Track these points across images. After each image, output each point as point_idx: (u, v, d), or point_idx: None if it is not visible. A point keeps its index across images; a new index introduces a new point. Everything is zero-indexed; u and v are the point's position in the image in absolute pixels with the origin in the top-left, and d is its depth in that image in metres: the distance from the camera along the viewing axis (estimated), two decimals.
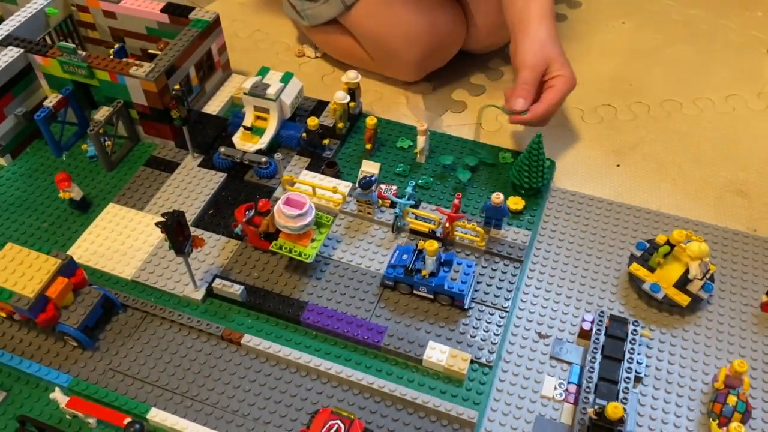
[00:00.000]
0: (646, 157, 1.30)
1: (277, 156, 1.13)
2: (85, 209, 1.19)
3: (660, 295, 1.03)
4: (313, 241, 1.06)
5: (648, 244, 1.09)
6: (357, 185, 1.12)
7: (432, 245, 0.99)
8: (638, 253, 1.08)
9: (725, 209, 1.20)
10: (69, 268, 0.98)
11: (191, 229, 1.09)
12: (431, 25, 1.28)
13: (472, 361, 0.98)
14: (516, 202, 1.17)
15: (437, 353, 0.97)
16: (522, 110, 1.17)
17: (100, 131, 1.20)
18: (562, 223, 1.17)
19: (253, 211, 1.07)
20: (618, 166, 1.28)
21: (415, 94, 1.43)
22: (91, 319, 0.98)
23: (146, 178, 1.23)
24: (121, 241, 1.13)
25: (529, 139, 1.31)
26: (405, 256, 1.04)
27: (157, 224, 0.94)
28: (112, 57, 1.32)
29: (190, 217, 1.16)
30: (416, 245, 1.05)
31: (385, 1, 1.31)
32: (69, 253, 1.11)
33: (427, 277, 1.02)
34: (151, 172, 1.24)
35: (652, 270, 1.06)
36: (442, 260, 1.04)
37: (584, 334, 1.02)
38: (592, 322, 1.01)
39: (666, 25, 1.60)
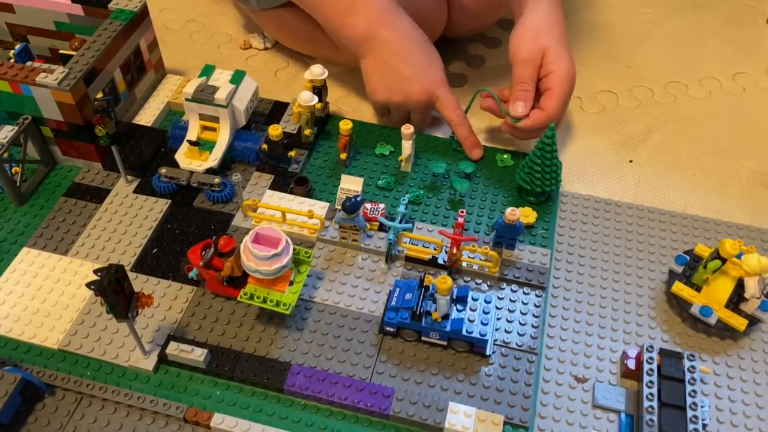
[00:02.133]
0: (659, 150, 1.13)
1: (235, 177, 0.91)
2: None
3: (712, 320, 0.86)
4: (291, 284, 0.84)
5: (688, 257, 0.92)
6: (340, 208, 0.91)
7: (445, 282, 0.79)
8: (679, 269, 0.91)
9: (758, 206, 1.05)
10: None
11: (132, 275, 0.87)
12: (410, 5, 1.07)
13: (504, 423, 0.79)
14: (527, 215, 0.98)
15: (462, 418, 0.78)
16: (523, 115, 0.99)
17: (5, 155, 0.94)
18: (580, 236, 0.99)
19: (211, 251, 0.84)
20: (631, 161, 1.11)
21: None
22: (5, 414, 0.74)
23: (68, 212, 0.98)
24: (41, 297, 0.88)
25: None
26: (409, 296, 0.84)
27: (89, 285, 0.71)
28: (12, 61, 1.06)
29: (128, 259, 0.93)
30: (421, 280, 0.84)
31: None
32: None
33: (439, 320, 0.82)
34: (75, 204, 0.99)
35: (697, 289, 0.89)
36: (454, 297, 0.84)
37: (629, 374, 0.84)
38: (637, 359, 0.84)
39: None
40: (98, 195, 1.00)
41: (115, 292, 0.71)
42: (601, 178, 1.08)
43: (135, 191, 1.00)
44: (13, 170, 0.99)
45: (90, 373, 0.82)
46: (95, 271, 0.71)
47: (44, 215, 0.98)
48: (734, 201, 1.06)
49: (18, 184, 0.99)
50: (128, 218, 0.97)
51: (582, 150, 1.13)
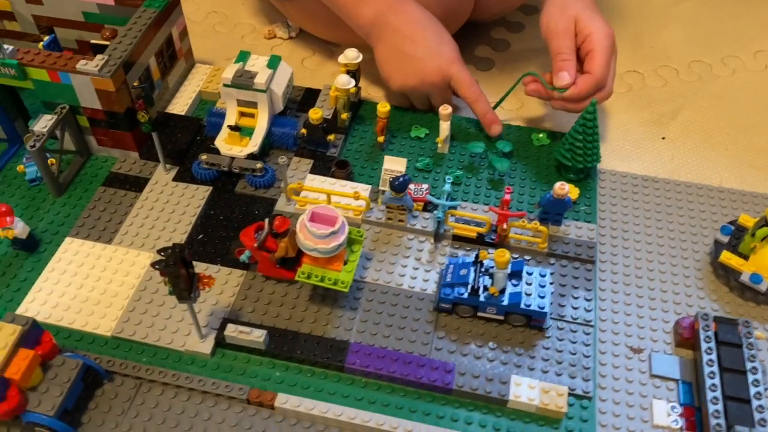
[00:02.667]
0: (689, 127, 1.14)
1: (281, 160, 0.90)
2: (33, 249, 0.92)
3: (763, 287, 0.87)
4: (346, 263, 0.84)
5: (733, 227, 0.93)
6: (386, 189, 0.91)
7: (503, 255, 0.79)
8: (725, 239, 0.92)
9: None
10: (32, 334, 0.73)
11: None
12: None
13: (567, 394, 0.79)
14: (570, 191, 0.98)
15: (526, 390, 0.78)
16: (569, 85, 0.99)
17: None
18: (621, 211, 1.00)
19: (265, 232, 0.84)
20: (663, 138, 1.12)
21: None
22: (69, 400, 0.73)
23: (108, 201, 0.97)
24: (89, 286, 0.87)
25: (562, 113, 1.13)
26: (464, 271, 0.84)
27: (154, 265, 0.70)
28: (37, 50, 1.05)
29: None
30: (476, 256, 0.84)
31: None
32: (21, 310, 0.84)
33: (497, 295, 0.82)
34: (114, 193, 0.98)
35: (744, 257, 0.90)
36: (509, 271, 0.84)
37: (683, 342, 0.85)
38: (691, 328, 0.84)
39: None
40: (137, 184, 0.99)
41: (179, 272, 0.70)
42: (636, 156, 1.09)
43: (174, 179, 1.00)
44: (48, 161, 0.98)
45: (146, 359, 0.81)
46: (159, 251, 0.70)
47: (83, 205, 0.97)
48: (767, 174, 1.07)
49: (56, 174, 0.98)
50: (170, 206, 0.96)
51: (614, 129, 1.13)
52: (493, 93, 1.18)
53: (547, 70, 1.03)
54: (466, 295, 0.82)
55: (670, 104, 1.18)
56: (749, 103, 1.19)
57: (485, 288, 0.82)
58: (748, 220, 0.93)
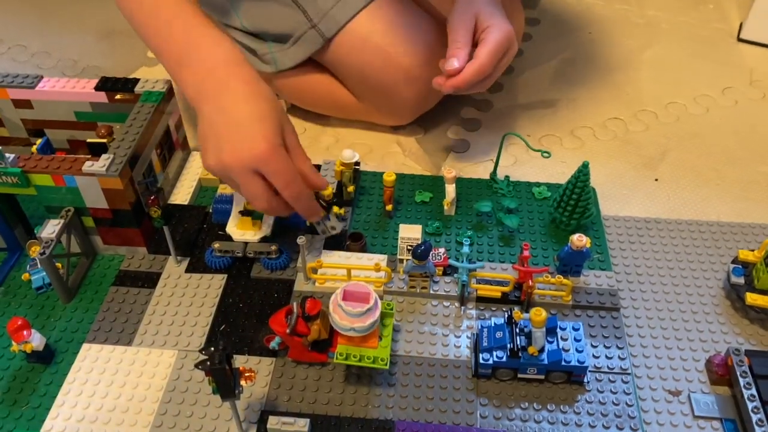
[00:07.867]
0: (679, 166, 1.19)
1: (300, 240, 0.90)
2: (49, 360, 0.88)
3: None
4: (380, 338, 0.83)
5: (743, 267, 0.95)
6: (407, 258, 0.91)
7: (540, 314, 0.80)
8: (740, 281, 0.94)
9: None
10: None
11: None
12: (432, 52, 1.10)
13: None
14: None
15: None
16: (457, 70, 1.00)
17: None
18: (631, 255, 1.02)
19: (295, 315, 0.82)
20: (656, 180, 1.16)
21: (408, 139, 1.24)
22: None
23: (122, 301, 0.94)
24: (115, 393, 0.84)
25: (552, 165, 1.16)
26: (499, 334, 0.84)
27: (198, 366, 0.68)
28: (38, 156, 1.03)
29: (198, 339, 0.90)
30: (509, 316, 0.85)
31: (381, 27, 1.10)
32: (46, 429, 0.80)
33: (536, 354, 0.82)
34: (127, 292, 0.96)
35: (762, 292, 0.92)
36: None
37: (719, 380, 0.86)
38: (725, 365, 0.86)
39: (630, 29, 1.53)
40: (149, 280, 0.97)
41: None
42: (633, 199, 1.12)
43: (187, 270, 0.98)
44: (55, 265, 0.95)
45: None
46: (201, 350, 0.69)
47: (96, 308, 0.94)
48: (760, 204, 1.11)
49: (64, 279, 0.95)
50: (187, 299, 0.94)
51: (607, 175, 1.16)
52: (486, 151, 1.21)
53: (532, 125, 1.04)
54: (505, 359, 0.82)
55: (655, 147, 1.22)
56: (729, 137, 1.24)
57: (523, 348, 0.82)
58: (747, 255, 0.96)
